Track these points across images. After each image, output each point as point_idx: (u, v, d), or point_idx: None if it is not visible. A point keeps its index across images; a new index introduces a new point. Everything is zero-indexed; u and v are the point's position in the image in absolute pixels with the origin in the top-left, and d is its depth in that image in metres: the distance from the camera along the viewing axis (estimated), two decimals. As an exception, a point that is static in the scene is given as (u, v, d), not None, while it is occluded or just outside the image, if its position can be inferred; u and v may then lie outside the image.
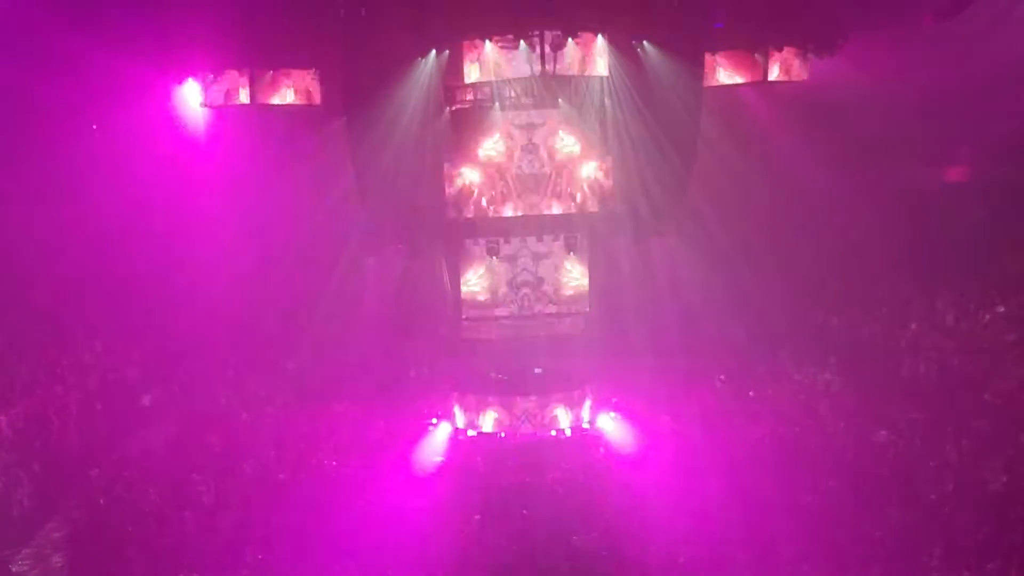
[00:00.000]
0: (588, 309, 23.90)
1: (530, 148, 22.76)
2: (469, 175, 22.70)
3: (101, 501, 18.85)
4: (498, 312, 23.62)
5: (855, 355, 24.18)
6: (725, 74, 22.85)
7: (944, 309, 24.70)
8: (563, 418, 22.45)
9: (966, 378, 22.26)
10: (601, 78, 22.26)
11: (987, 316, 23.89)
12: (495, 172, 22.73)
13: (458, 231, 23.20)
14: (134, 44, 20.88)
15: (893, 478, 18.60)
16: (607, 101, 22.63)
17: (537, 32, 21.16)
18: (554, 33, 21.11)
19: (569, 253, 23.45)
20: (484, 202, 22.75)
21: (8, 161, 22.49)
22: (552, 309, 23.83)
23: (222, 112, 22.69)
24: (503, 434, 22.18)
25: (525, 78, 22.21)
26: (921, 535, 16.59)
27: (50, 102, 22.33)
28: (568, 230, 23.34)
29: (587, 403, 22.96)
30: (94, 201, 23.96)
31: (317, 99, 22.57)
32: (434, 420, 23.01)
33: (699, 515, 17.67)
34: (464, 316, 23.72)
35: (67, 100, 22.71)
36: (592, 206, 23.01)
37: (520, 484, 19.71)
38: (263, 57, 21.93)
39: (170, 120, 23.06)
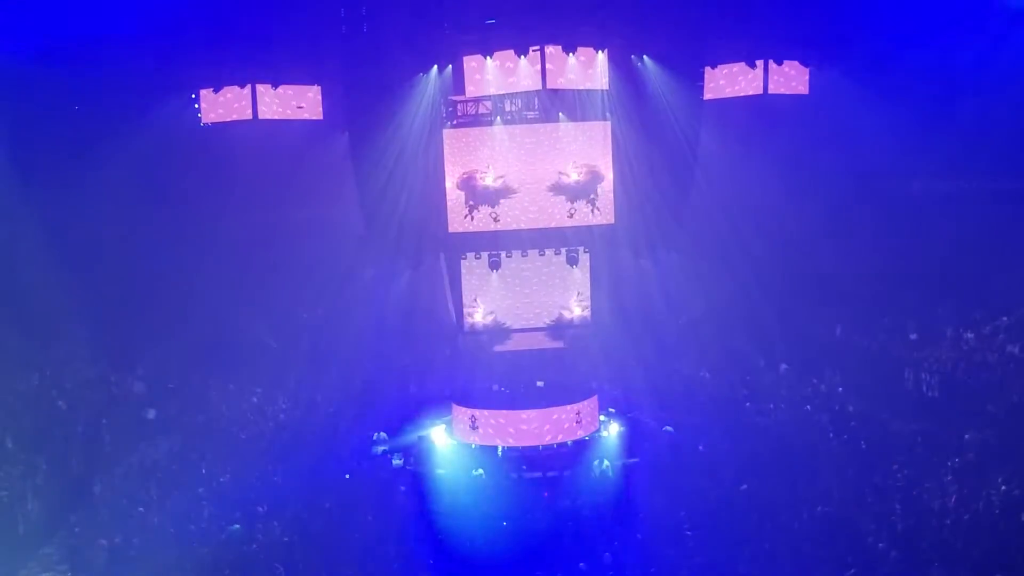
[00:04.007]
0: (590, 322, 23.93)
1: (531, 162, 22.84)
2: (470, 189, 22.78)
3: (105, 516, 18.88)
4: (500, 325, 23.66)
5: (857, 366, 24.21)
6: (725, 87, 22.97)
7: (946, 320, 24.70)
8: (566, 430, 22.47)
9: (969, 389, 22.27)
10: (602, 92, 22.37)
11: (990, 327, 23.89)
12: (496, 186, 22.80)
13: (459, 245, 23.26)
14: (137, 60, 21.01)
15: (896, 489, 18.60)
16: (608, 115, 22.72)
17: (538, 48, 21.28)
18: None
19: (571, 266, 23.50)
20: (485, 216, 22.81)
21: (11, 174, 22.65)
22: (554, 322, 23.85)
23: (223, 127, 22.78)
24: (506, 447, 22.20)
25: (526, 92, 22.33)
26: (923, 546, 16.59)
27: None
28: (569, 243, 23.39)
29: (590, 415, 22.99)
30: (97, 215, 24.08)
31: (319, 114, 22.70)
32: (431, 427, 23.18)
33: (702, 525, 17.69)
34: (466, 329, 23.75)
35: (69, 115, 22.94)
36: (594, 219, 23.07)
37: (522, 496, 19.76)
38: (265, 73, 22.06)
39: (172, 134, 23.17)
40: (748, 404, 23.41)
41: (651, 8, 22.04)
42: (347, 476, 20.76)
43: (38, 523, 19.28)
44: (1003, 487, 17.75)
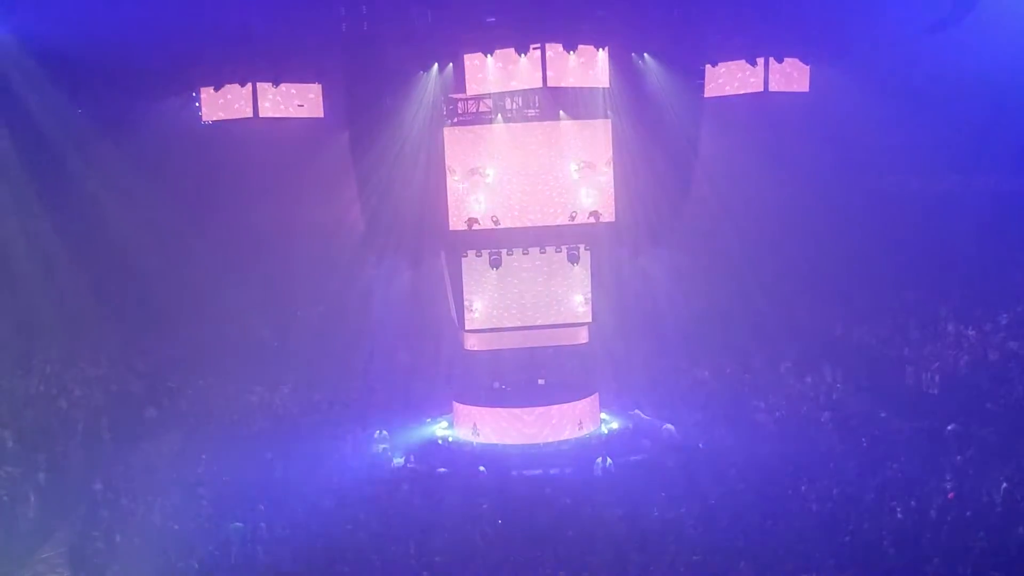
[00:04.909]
0: (590, 320, 23.90)
1: (531, 160, 22.79)
2: (471, 187, 22.74)
3: (105, 514, 18.90)
4: (501, 324, 23.61)
5: (858, 363, 24.22)
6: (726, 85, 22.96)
7: (947, 317, 24.72)
8: (566, 428, 22.51)
9: (969, 387, 22.29)
10: (602, 90, 22.32)
11: (990, 324, 23.91)
12: (496, 184, 22.76)
13: (460, 243, 23.22)
14: (137, 59, 21.01)
15: (896, 486, 18.62)
16: (609, 113, 22.69)
17: (539, 46, 21.21)
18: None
19: (572, 264, 23.45)
20: (486, 214, 22.76)
21: (12, 174, 22.71)
22: (555, 320, 23.82)
23: (224, 125, 22.77)
24: (507, 445, 22.25)
25: (527, 90, 22.28)
26: (924, 543, 16.60)
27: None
28: (570, 241, 23.35)
29: (591, 413, 23.03)
30: (98, 214, 24.11)
31: (320, 112, 22.68)
32: (432, 425, 23.24)
33: (703, 522, 17.69)
34: (467, 327, 23.72)
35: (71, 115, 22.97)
36: (594, 217, 23.03)
37: (523, 493, 19.78)
38: (266, 71, 22.05)
39: (173, 133, 23.18)
40: (749, 402, 23.44)
41: (652, 6, 21.99)
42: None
43: (39, 522, 19.30)
44: (1004, 484, 17.78)
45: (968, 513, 17.14)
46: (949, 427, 20.56)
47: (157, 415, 23.24)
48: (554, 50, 21.25)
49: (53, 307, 23.87)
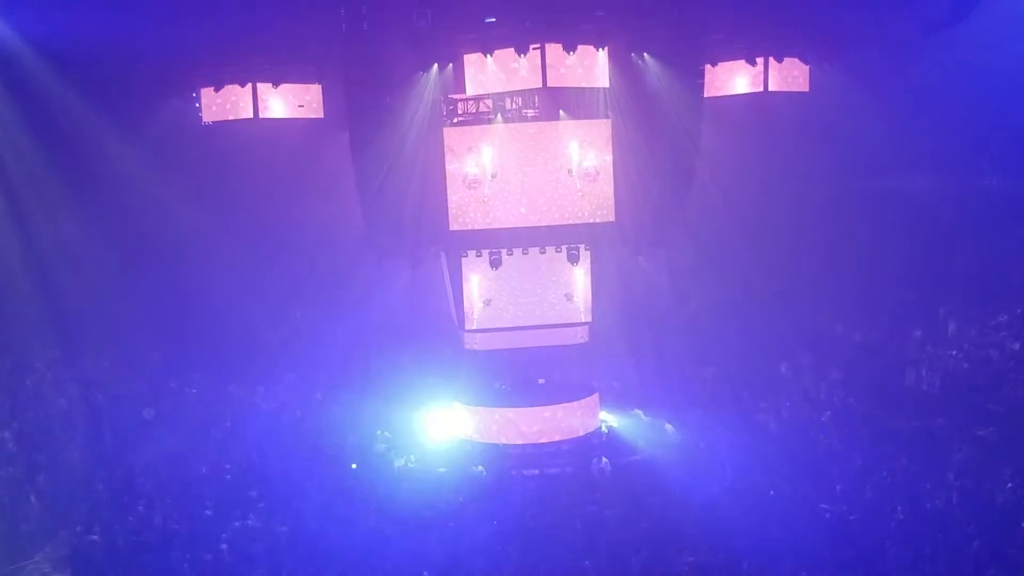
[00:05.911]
0: (591, 319, 23.89)
1: (531, 160, 22.78)
2: (470, 187, 22.71)
3: (107, 515, 18.92)
4: (501, 323, 23.62)
5: (859, 363, 24.23)
6: (726, 84, 22.97)
7: (947, 317, 24.73)
8: (566, 428, 22.51)
9: (970, 386, 22.30)
10: (602, 90, 22.30)
11: (990, 324, 23.92)
12: (496, 184, 22.75)
13: (460, 243, 23.21)
14: (137, 59, 21.04)
15: (897, 486, 18.63)
16: (608, 113, 22.67)
17: (538, 46, 21.19)
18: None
19: (572, 264, 23.46)
20: (486, 214, 22.75)
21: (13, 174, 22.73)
22: (555, 320, 23.81)
23: (224, 126, 22.78)
24: (506, 444, 22.25)
25: (527, 91, 22.26)
26: (925, 543, 16.61)
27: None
28: (570, 241, 23.35)
29: (590, 412, 23.03)
30: (98, 214, 24.12)
31: (320, 113, 22.70)
32: (432, 425, 23.23)
33: (705, 524, 17.70)
34: (467, 327, 23.72)
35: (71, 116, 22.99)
36: (594, 217, 23.02)
37: (525, 494, 19.79)
38: (266, 72, 22.07)
39: (173, 133, 23.19)
40: (749, 401, 23.46)
41: (651, 6, 21.97)
42: (354, 466, 21.14)
43: (40, 523, 19.32)
44: (1008, 484, 17.80)
45: (970, 513, 17.16)
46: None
47: (157, 415, 23.27)
48: (554, 50, 21.21)
49: (53, 307, 23.86)
